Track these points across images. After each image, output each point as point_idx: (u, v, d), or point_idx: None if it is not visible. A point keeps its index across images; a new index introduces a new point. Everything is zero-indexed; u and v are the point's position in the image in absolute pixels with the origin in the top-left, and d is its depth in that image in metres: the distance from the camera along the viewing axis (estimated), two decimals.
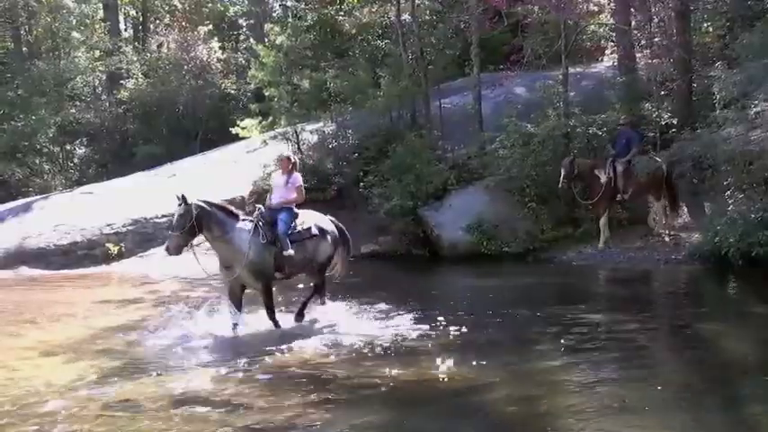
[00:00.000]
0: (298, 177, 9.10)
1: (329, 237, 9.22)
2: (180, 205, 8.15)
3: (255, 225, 8.53)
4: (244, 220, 8.64)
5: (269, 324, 8.88)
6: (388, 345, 7.92)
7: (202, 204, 8.28)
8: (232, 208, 8.79)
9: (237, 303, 8.67)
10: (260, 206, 8.98)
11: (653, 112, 15.73)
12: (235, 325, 8.55)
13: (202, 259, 8.50)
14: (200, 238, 8.52)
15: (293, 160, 9.27)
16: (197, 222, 8.15)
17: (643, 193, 14.10)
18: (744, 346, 7.95)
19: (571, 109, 16.01)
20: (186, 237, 8.16)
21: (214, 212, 8.37)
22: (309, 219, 9.11)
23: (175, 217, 8.20)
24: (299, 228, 8.87)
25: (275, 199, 8.97)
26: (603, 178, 13.90)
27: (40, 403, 6.32)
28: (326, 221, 9.38)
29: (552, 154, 14.91)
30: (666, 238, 13.86)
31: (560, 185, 13.92)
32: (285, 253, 8.57)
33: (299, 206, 9.14)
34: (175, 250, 8.15)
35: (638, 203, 14.43)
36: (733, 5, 15.58)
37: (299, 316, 9.09)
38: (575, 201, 14.35)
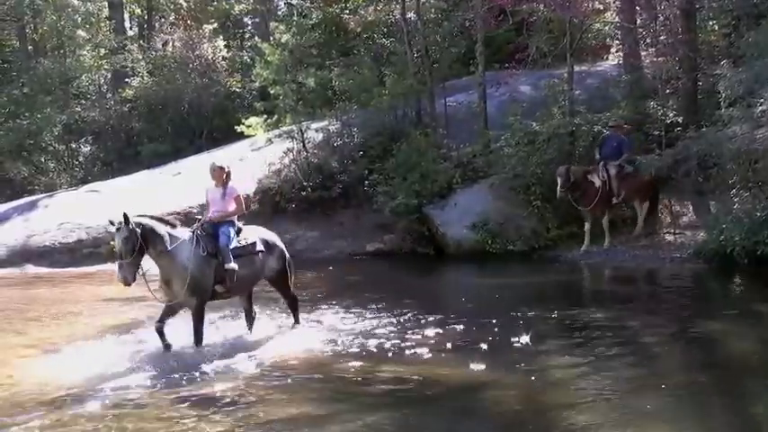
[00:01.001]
0: (234, 188, 8.44)
1: (276, 252, 8.68)
2: (119, 229, 7.42)
3: (196, 237, 7.93)
4: (181, 230, 8.04)
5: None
6: (391, 344, 7.93)
7: (142, 221, 7.69)
8: (169, 218, 8.25)
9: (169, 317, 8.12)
10: (201, 218, 8.36)
11: (658, 111, 15.67)
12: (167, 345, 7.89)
13: None
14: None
15: (227, 170, 8.42)
16: (143, 241, 7.50)
17: (634, 196, 14.09)
18: (749, 345, 7.94)
19: (576, 107, 15.96)
20: (137, 260, 7.53)
21: (154, 227, 7.74)
22: (253, 234, 8.52)
23: (120, 243, 7.42)
24: (242, 242, 8.28)
25: (213, 213, 8.30)
26: (598, 183, 13.88)
27: (44, 402, 6.34)
28: (272, 236, 8.83)
29: (557, 152, 14.89)
30: (670, 237, 13.85)
31: (558, 195, 13.88)
32: (227, 266, 7.96)
33: (243, 220, 8.63)
34: (132, 278, 7.44)
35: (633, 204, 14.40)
36: (738, 3, 15.45)
37: (295, 320, 8.95)
38: (574, 207, 14.26)
